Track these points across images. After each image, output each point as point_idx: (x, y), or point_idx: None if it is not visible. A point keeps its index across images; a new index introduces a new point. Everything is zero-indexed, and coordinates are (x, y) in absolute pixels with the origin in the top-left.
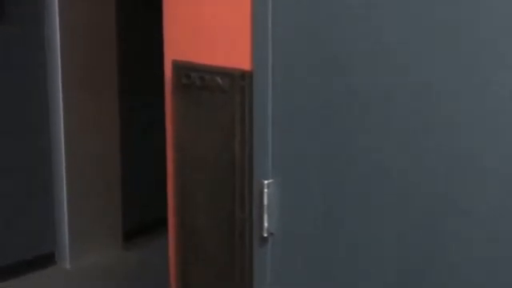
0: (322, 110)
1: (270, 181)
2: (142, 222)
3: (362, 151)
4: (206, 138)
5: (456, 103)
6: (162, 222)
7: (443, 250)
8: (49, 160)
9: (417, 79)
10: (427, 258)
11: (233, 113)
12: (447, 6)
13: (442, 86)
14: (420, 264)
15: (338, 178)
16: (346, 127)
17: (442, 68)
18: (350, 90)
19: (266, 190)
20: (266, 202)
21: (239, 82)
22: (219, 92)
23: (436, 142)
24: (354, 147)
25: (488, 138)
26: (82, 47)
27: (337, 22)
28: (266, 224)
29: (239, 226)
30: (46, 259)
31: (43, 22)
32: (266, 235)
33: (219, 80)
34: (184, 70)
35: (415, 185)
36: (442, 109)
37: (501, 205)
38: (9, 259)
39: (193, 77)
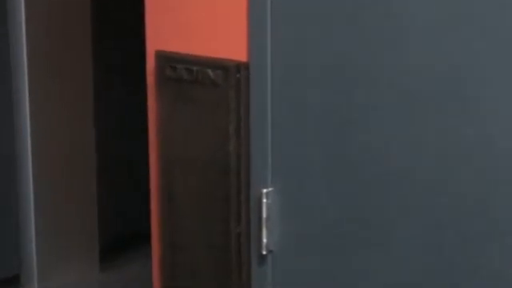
0: (329, 107)
1: (270, 189)
2: (121, 238)
3: (374, 152)
4: (195, 140)
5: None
6: (145, 237)
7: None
8: (13, 166)
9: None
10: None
11: (226, 110)
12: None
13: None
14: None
15: (348, 184)
16: (357, 126)
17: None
18: (360, 83)
19: (264, 200)
20: (264, 213)
21: (234, 74)
22: (210, 86)
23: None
24: (366, 148)
25: None
26: (50, 34)
27: (345, 13)
28: (264, 240)
29: (234, 242)
30: (10, 283)
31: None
32: (265, 252)
33: (210, 73)
34: (169, 61)
35: (430, 187)
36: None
37: None
38: None
39: (179, 69)
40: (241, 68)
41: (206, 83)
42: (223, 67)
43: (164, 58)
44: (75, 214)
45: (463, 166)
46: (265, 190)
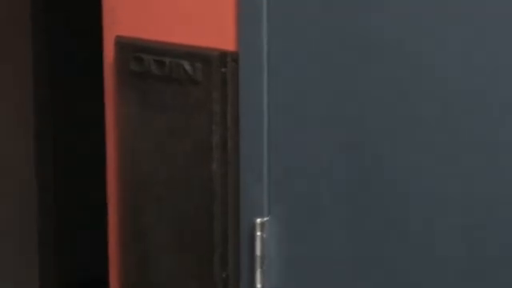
0: (345, 110)
1: (266, 219)
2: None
3: (401, 172)
4: (168, 155)
5: None
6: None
7: None
8: None
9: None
10: None
11: (209, 116)
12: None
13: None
14: None
15: (369, 213)
16: (381, 137)
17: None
18: (385, 77)
19: (258, 233)
20: (258, 251)
21: (218, 68)
22: (188, 84)
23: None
24: (393, 167)
25: None
26: None
27: None
28: (258, 285)
29: None
30: None
31: None
32: None
33: (187, 66)
34: (133, 50)
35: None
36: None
37: None
38: None
39: (147, 61)
40: (227, 59)
41: (181, 80)
42: (204, 59)
43: (127, 47)
44: (12, 258)
45: None
46: (259, 220)
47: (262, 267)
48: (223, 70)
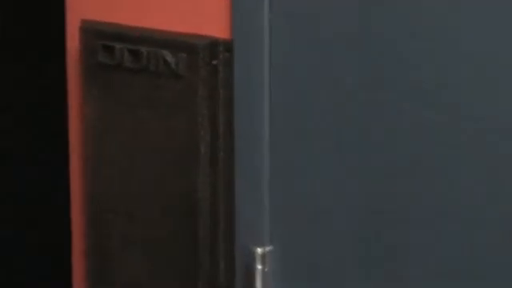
0: (359, 111)
1: (268, 248)
2: None
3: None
4: (142, 165)
5: None
6: None
7: None
8: None
9: None
10: None
11: (194, 117)
12: None
13: None
14: None
15: (389, 240)
16: (395, 141)
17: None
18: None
19: (259, 267)
20: (259, 287)
21: (206, 60)
22: (169, 79)
23: None
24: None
25: None
26: None
27: None
28: None
29: None
30: None
31: None
32: None
33: (168, 57)
34: (103, 37)
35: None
36: None
37: None
38: None
39: (119, 51)
40: (219, 49)
41: (161, 74)
42: (190, 48)
43: (95, 33)
44: None
45: None
46: (259, 250)
47: None
48: (214, 62)
